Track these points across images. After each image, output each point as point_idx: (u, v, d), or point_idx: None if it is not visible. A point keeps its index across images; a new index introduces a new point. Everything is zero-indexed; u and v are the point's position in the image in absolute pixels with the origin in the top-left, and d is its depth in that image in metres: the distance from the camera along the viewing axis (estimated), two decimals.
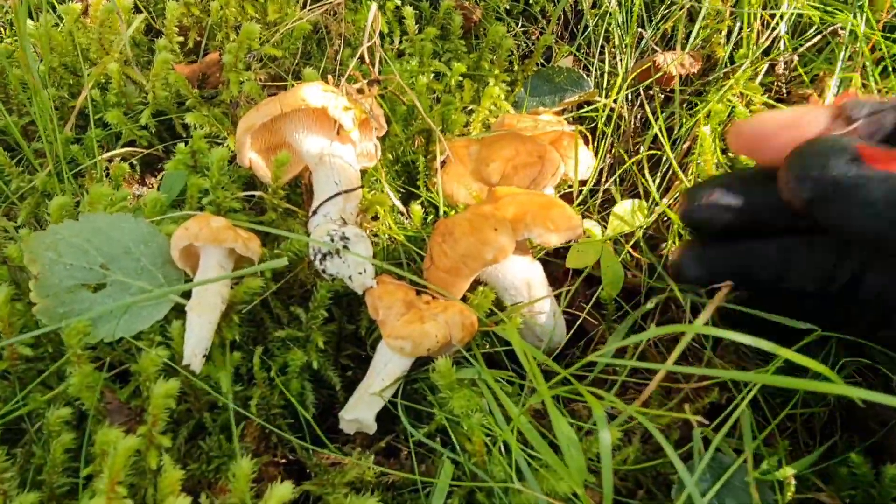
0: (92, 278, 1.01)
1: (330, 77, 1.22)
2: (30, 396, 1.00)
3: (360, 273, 1.01)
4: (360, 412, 1.02)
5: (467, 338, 1.02)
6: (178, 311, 1.04)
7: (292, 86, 1.59)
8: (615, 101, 1.58)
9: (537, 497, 0.85)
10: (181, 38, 1.65)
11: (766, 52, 1.57)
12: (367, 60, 1.25)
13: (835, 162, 0.75)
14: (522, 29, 1.87)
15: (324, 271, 1.02)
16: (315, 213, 1.09)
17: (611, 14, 1.72)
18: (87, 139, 1.44)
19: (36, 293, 0.96)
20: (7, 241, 1.27)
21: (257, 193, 1.18)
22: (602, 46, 1.76)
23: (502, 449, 0.92)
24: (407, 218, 1.29)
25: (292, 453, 1.05)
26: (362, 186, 1.14)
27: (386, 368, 1.03)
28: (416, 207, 1.27)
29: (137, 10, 1.73)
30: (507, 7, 1.86)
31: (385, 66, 1.38)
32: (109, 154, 1.45)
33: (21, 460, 0.98)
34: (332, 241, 1.01)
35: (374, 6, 1.29)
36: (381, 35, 1.63)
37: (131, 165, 1.49)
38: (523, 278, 1.12)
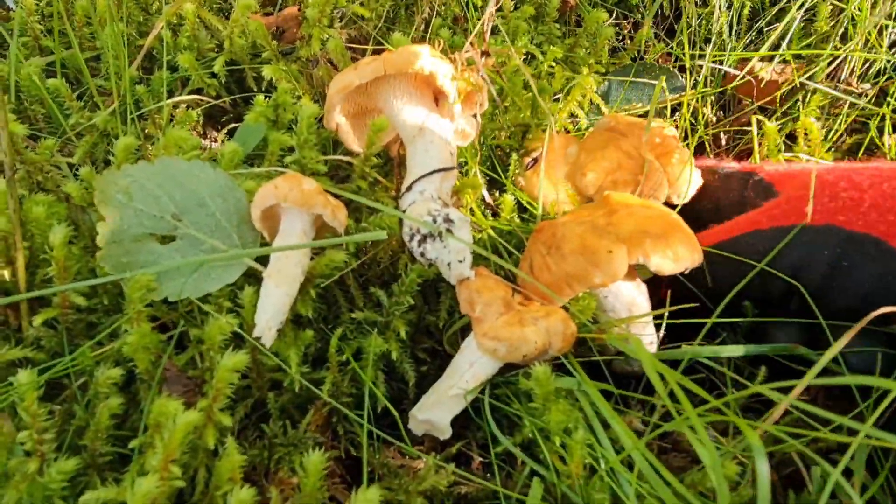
0: (162, 228, 0.90)
1: (436, 42, 1.11)
2: (78, 351, 0.90)
3: (460, 261, 0.90)
4: (435, 414, 0.92)
5: (566, 348, 0.91)
6: (250, 278, 0.94)
7: (374, 51, 1.49)
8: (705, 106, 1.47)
9: None
10: None
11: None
12: (485, 29, 1.13)
13: None
14: (615, 22, 1.76)
15: (422, 255, 0.91)
16: (409, 189, 0.98)
17: (715, 15, 1.60)
18: (155, 81, 1.34)
19: (102, 237, 0.86)
20: (61, 179, 1.17)
21: (346, 158, 1.07)
22: (700, 47, 1.64)
23: (605, 475, 0.82)
24: (496, 208, 1.18)
25: (354, 448, 0.95)
26: (460, 166, 1.02)
27: (471, 369, 0.92)
28: (509, 198, 1.16)
29: None
30: None
31: (494, 40, 1.26)
32: (175, 99, 1.34)
33: (59, 420, 0.88)
34: (435, 221, 0.90)
35: None
36: (475, 7, 1.52)
37: (190, 108, 1.38)
38: (626, 302, 1.01)
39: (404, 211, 0.95)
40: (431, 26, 1.44)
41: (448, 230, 0.89)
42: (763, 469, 0.62)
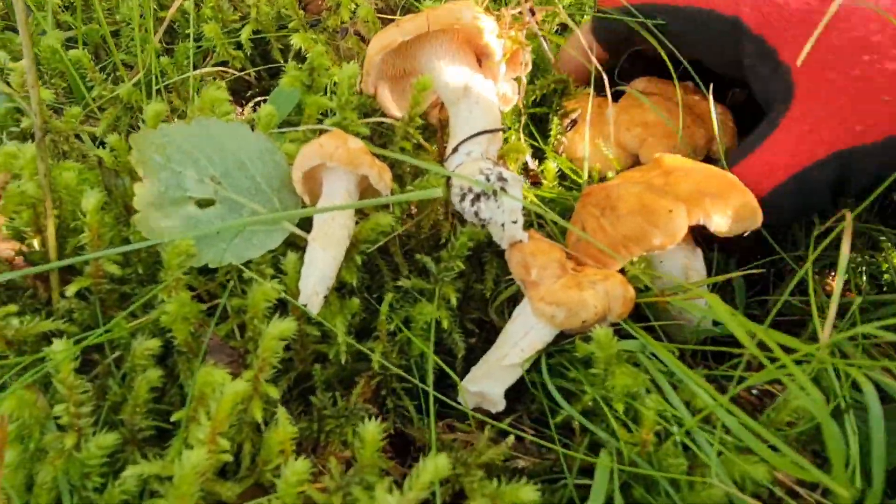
0: (200, 191, 0.86)
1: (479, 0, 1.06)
2: (113, 321, 0.85)
3: (514, 222, 0.85)
4: (488, 385, 0.87)
5: (625, 314, 0.86)
6: (291, 245, 0.89)
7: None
8: None
9: (728, 491, 0.70)
10: None
11: None
12: None
13: None
14: None
15: (476, 214, 0.86)
16: (455, 151, 0.93)
17: None
18: (179, 52, 1.29)
19: (139, 199, 0.81)
20: (86, 149, 1.12)
21: (388, 120, 1.02)
22: None
23: (682, 438, 0.77)
24: (539, 175, 1.13)
25: (402, 423, 0.90)
26: (506, 128, 0.97)
27: (526, 337, 0.87)
28: (551, 165, 1.11)
29: None
30: None
31: None
32: (200, 71, 1.30)
33: (94, 395, 0.83)
34: (488, 180, 0.85)
35: None
36: None
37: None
38: (682, 265, 0.96)
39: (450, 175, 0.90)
40: None
41: (502, 189, 0.84)
42: (875, 409, 0.57)
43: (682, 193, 0.89)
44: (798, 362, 0.75)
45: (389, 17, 1.42)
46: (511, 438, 0.82)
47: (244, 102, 1.40)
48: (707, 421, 0.78)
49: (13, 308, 0.84)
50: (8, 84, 1.07)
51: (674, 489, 0.76)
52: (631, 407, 0.80)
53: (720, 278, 0.90)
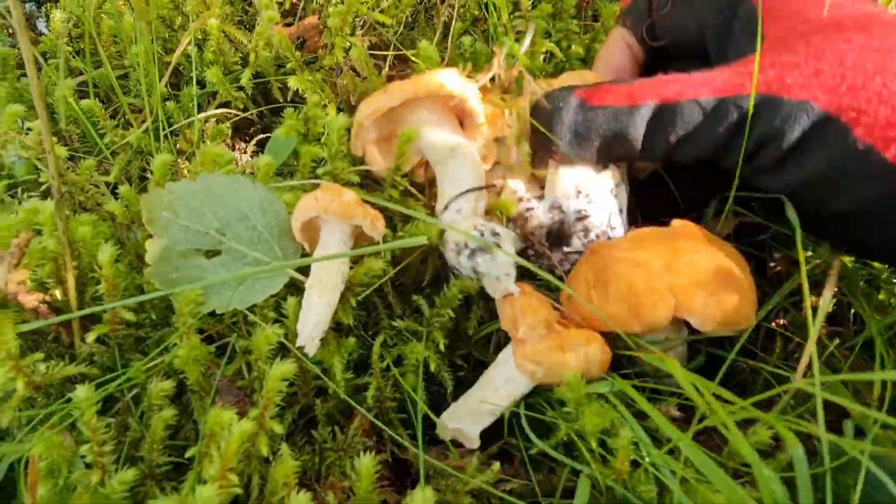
0: (207, 243, 0.93)
1: (461, 67, 1.12)
2: (130, 365, 0.93)
3: (507, 275, 0.92)
4: (465, 424, 0.94)
5: (599, 375, 0.92)
6: (292, 288, 0.96)
7: (395, 57, 1.51)
8: None
9: None
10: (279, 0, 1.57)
11: None
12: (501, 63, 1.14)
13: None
14: None
15: (473, 269, 0.93)
16: (446, 208, 1.00)
17: None
18: (184, 97, 1.37)
19: (151, 255, 0.89)
20: (100, 197, 1.20)
21: (375, 168, 1.09)
22: None
23: (648, 468, 0.83)
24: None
25: (399, 450, 0.97)
26: (493, 186, 1.04)
27: (506, 386, 0.93)
28: None
29: None
30: None
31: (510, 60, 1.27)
32: (205, 114, 1.37)
33: (115, 433, 0.91)
34: (482, 235, 0.92)
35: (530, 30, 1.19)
36: (492, 7, 1.53)
37: (220, 123, 1.41)
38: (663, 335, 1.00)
39: (444, 232, 0.97)
40: (452, 31, 1.46)
41: (496, 244, 0.91)
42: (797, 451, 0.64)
43: (678, 283, 0.87)
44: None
45: (383, 52, 1.49)
46: (497, 466, 0.88)
47: (247, 140, 1.48)
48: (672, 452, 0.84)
49: (39, 355, 0.92)
50: (26, 144, 1.15)
51: None
52: (605, 440, 0.86)
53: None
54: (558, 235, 1.01)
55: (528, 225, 1.02)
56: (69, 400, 0.90)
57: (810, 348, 0.81)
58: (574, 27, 1.59)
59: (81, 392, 0.85)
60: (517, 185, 1.05)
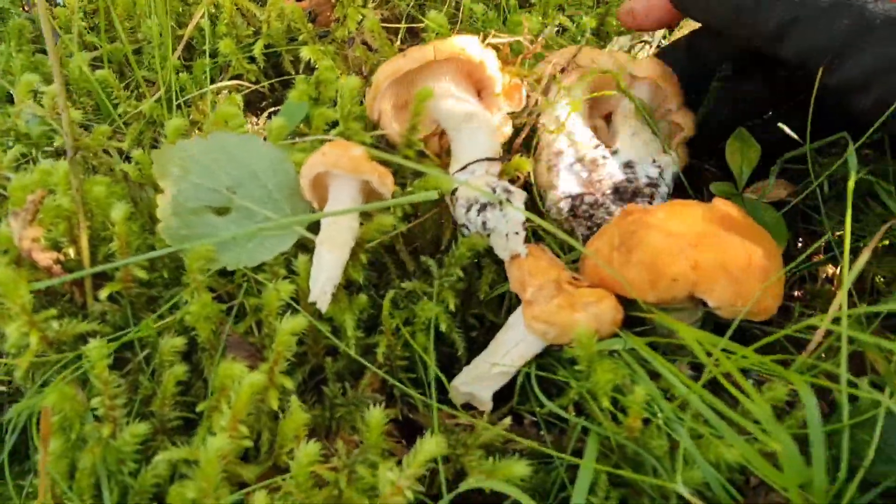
0: (217, 201, 0.93)
1: (481, 36, 1.11)
2: (142, 322, 0.93)
3: (516, 234, 0.91)
4: (477, 387, 0.93)
5: (611, 334, 0.90)
6: (302, 248, 0.96)
7: (408, 30, 1.51)
8: None
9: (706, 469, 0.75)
10: None
11: None
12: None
13: None
14: None
15: (483, 223, 0.92)
16: (460, 171, 0.99)
17: None
18: (197, 68, 1.37)
19: (162, 210, 0.89)
20: (114, 163, 1.21)
21: (389, 133, 1.08)
22: None
23: (661, 425, 0.82)
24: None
25: (410, 409, 0.97)
26: (507, 158, 1.03)
27: (517, 347, 0.92)
28: None
29: None
30: None
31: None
32: (217, 86, 1.38)
33: (126, 391, 0.91)
34: (494, 192, 0.91)
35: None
36: None
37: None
38: None
39: (455, 191, 0.96)
40: (463, 3, 1.45)
41: (508, 200, 0.90)
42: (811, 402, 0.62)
43: (703, 261, 0.85)
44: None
45: (395, 25, 1.49)
46: (507, 420, 0.88)
47: (259, 113, 1.48)
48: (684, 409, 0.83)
49: (53, 311, 0.92)
50: (41, 106, 1.16)
51: (661, 468, 0.82)
52: (617, 399, 0.85)
53: None
54: (624, 192, 1.03)
55: (598, 171, 1.03)
56: (81, 357, 0.91)
57: (842, 292, 0.78)
58: (588, 1, 1.58)
59: (93, 345, 0.85)
60: (587, 132, 1.08)
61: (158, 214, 0.90)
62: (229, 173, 0.94)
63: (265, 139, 0.99)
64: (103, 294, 0.95)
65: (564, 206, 1.04)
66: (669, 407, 0.81)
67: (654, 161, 1.07)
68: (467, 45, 1.03)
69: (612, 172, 1.04)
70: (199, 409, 0.86)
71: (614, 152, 1.07)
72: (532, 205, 1.07)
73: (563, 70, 1.11)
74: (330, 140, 0.95)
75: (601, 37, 1.53)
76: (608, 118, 1.19)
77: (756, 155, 1.13)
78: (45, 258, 0.95)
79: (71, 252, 0.98)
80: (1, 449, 0.95)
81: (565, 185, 1.04)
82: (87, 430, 0.86)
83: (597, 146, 1.07)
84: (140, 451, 0.86)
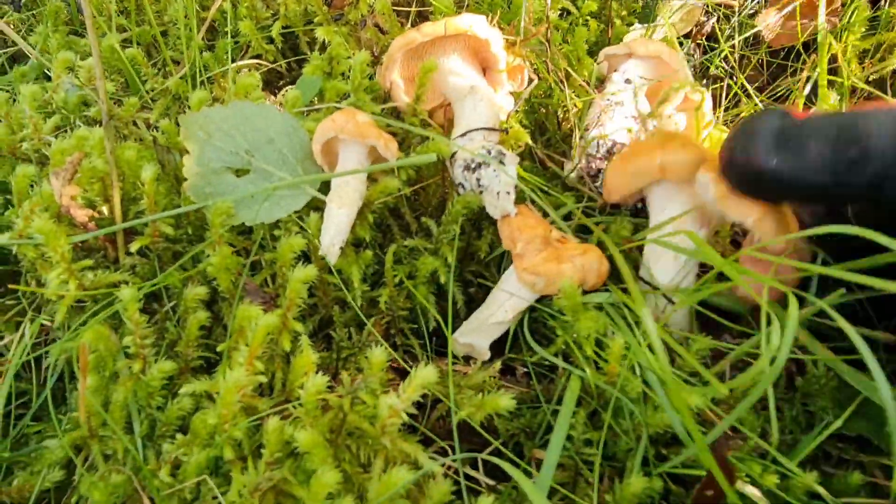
0: (237, 163, 1.02)
1: (489, 16, 1.20)
2: (168, 271, 1.03)
3: (507, 193, 0.99)
4: (475, 338, 1.01)
5: (598, 284, 0.98)
6: (313, 209, 1.05)
7: (418, 13, 1.58)
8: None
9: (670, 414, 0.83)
10: None
11: None
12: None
13: None
14: None
15: (477, 180, 1.00)
16: (460, 137, 1.08)
17: None
18: (219, 48, 1.46)
19: (188, 169, 0.98)
20: (143, 133, 1.30)
21: (396, 104, 1.16)
22: None
23: (635, 369, 0.90)
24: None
25: (411, 358, 1.05)
26: (505, 130, 1.11)
27: (510, 300, 1.00)
28: None
29: None
30: None
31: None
32: (238, 64, 1.47)
33: (154, 334, 1.01)
34: (490, 153, 0.99)
35: None
36: None
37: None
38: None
39: (454, 154, 1.05)
40: None
41: (501, 162, 0.98)
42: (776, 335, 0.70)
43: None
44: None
45: (405, 8, 1.57)
46: (497, 364, 0.96)
47: (276, 91, 1.57)
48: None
49: (89, 261, 1.02)
50: (78, 79, 1.25)
51: (636, 411, 0.89)
52: (604, 344, 0.93)
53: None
54: None
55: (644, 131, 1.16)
56: (112, 304, 1.00)
57: None
58: None
59: (125, 291, 0.95)
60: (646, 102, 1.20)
61: (185, 173, 0.99)
62: (248, 138, 1.03)
63: (281, 107, 1.07)
64: (134, 248, 1.04)
65: (603, 145, 1.14)
66: (643, 353, 0.88)
67: None
68: (475, 23, 1.11)
69: None
70: (219, 349, 0.95)
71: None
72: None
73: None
74: (339, 109, 1.03)
75: (601, 20, 1.60)
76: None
77: None
78: (81, 214, 1.05)
79: (105, 210, 1.08)
80: (43, 388, 1.06)
81: (613, 130, 1.15)
82: (119, 366, 0.96)
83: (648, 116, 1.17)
84: (166, 387, 0.95)
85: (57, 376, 1.07)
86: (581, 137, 1.17)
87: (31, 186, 1.12)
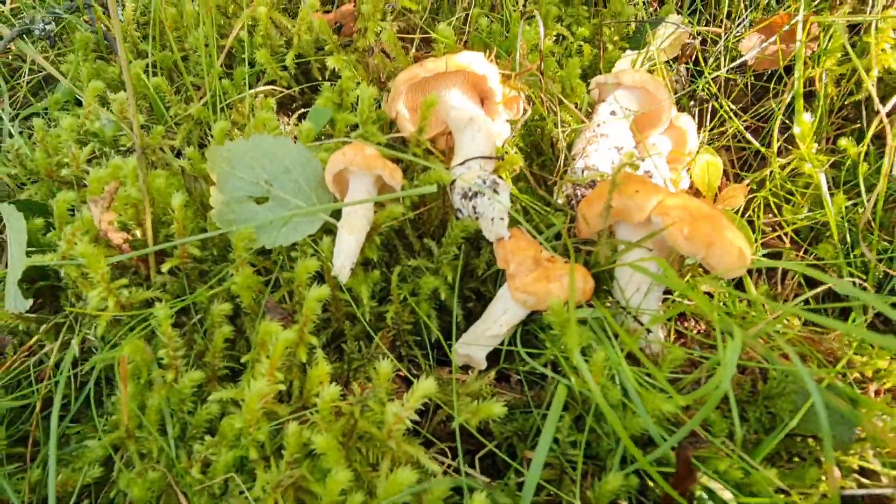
0: (257, 192, 1.13)
1: (486, 52, 1.30)
2: (197, 292, 1.14)
3: (501, 219, 1.09)
4: (473, 350, 1.12)
5: (584, 300, 1.08)
6: (326, 232, 1.16)
7: (422, 40, 1.69)
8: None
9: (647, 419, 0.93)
10: None
11: None
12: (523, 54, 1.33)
13: None
14: None
15: (473, 208, 1.11)
16: (459, 165, 1.18)
17: None
18: (237, 75, 1.57)
19: (214, 199, 1.10)
20: (169, 158, 1.42)
21: (401, 134, 1.27)
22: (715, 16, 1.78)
23: (616, 379, 1.00)
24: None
25: (415, 368, 1.16)
26: (501, 157, 1.22)
27: (504, 315, 1.11)
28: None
29: None
30: None
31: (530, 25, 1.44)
32: (255, 91, 1.58)
33: (184, 346, 1.12)
34: (485, 183, 1.10)
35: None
36: None
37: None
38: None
39: (454, 181, 1.15)
40: (471, 15, 1.63)
41: (495, 191, 1.09)
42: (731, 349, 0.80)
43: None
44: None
45: (410, 36, 1.67)
46: (492, 373, 1.07)
47: (290, 113, 1.68)
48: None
49: (124, 281, 1.13)
50: (111, 112, 1.37)
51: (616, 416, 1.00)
52: (588, 356, 1.03)
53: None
54: None
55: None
56: (147, 319, 1.12)
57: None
58: (584, 12, 1.74)
59: (159, 308, 1.06)
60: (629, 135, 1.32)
61: (211, 202, 1.10)
62: (267, 169, 1.14)
63: (296, 140, 1.18)
64: (164, 268, 1.16)
65: (587, 174, 1.25)
66: (624, 366, 0.99)
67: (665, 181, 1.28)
68: (473, 61, 1.22)
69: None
70: (243, 360, 1.07)
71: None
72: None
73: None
74: (349, 142, 1.14)
75: (594, 45, 1.70)
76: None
77: (718, 172, 1.33)
78: (117, 237, 1.16)
79: (138, 233, 1.19)
80: (81, 393, 1.17)
81: (597, 160, 1.26)
82: (154, 375, 1.08)
83: (632, 147, 1.28)
84: (196, 394, 1.07)
85: (94, 382, 1.19)
86: (568, 166, 1.27)
87: (71, 210, 1.23)
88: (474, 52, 1.23)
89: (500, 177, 1.20)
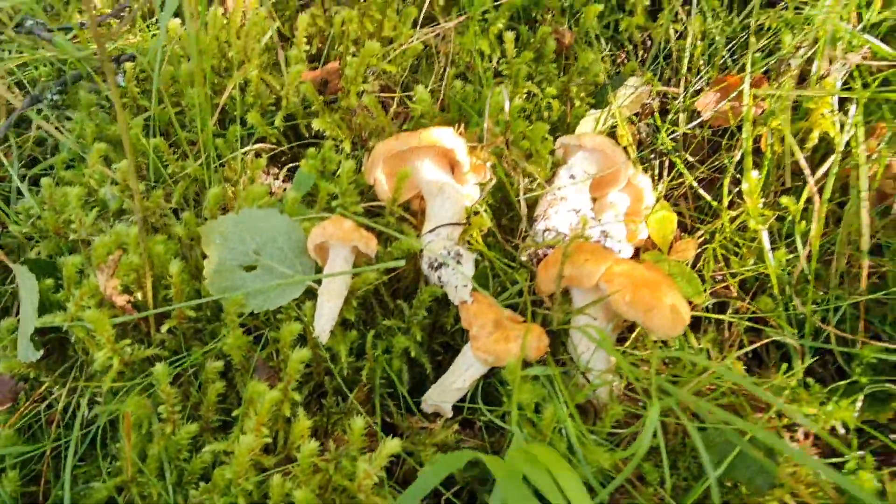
0: (247, 261, 1.26)
1: (455, 127, 1.44)
2: (191, 350, 1.27)
3: (465, 286, 1.23)
4: (440, 401, 1.25)
5: (538, 357, 1.21)
6: (309, 294, 1.29)
7: (401, 98, 1.82)
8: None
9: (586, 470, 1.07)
10: (307, 47, 1.88)
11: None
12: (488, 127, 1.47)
13: None
14: (610, 54, 2.03)
15: (438, 277, 1.24)
16: (429, 232, 1.32)
17: (689, 41, 1.86)
18: (230, 134, 1.70)
19: (207, 270, 1.23)
20: (167, 219, 1.55)
21: (378, 203, 1.41)
22: (677, 70, 1.91)
23: (563, 432, 1.14)
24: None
25: (389, 416, 1.29)
26: (467, 222, 1.35)
27: (468, 371, 1.24)
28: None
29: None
30: (598, 33, 2.02)
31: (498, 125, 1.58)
32: (246, 149, 1.71)
33: (181, 397, 1.25)
34: (449, 254, 1.23)
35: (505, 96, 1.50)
36: (481, 54, 1.83)
37: (258, 156, 1.74)
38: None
39: (422, 250, 1.29)
40: (447, 76, 1.76)
41: (458, 262, 1.22)
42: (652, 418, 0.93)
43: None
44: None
45: (390, 94, 1.80)
46: (456, 425, 1.20)
47: (280, 167, 1.81)
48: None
49: (128, 340, 1.26)
50: (115, 174, 1.50)
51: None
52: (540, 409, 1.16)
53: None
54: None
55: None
56: (148, 374, 1.25)
57: None
58: (553, 70, 1.87)
59: (159, 368, 1.19)
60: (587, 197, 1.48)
61: (205, 273, 1.23)
62: (255, 239, 1.27)
63: (281, 211, 1.31)
64: (164, 328, 1.29)
65: (549, 236, 1.38)
66: (568, 422, 1.12)
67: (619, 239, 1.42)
68: (443, 137, 1.35)
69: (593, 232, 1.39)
70: (233, 414, 1.20)
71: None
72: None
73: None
74: (328, 217, 1.27)
75: (563, 101, 1.83)
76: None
77: (672, 225, 1.46)
78: (121, 300, 1.29)
79: (139, 295, 1.32)
80: (84, 439, 1.30)
81: (557, 222, 1.39)
82: (154, 428, 1.21)
83: (589, 209, 1.42)
84: (191, 444, 1.20)
85: (96, 428, 1.32)
86: (529, 228, 1.41)
87: (79, 272, 1.36)
88: (444, 128, 1.36)
89: (468, 242, 1.33)
